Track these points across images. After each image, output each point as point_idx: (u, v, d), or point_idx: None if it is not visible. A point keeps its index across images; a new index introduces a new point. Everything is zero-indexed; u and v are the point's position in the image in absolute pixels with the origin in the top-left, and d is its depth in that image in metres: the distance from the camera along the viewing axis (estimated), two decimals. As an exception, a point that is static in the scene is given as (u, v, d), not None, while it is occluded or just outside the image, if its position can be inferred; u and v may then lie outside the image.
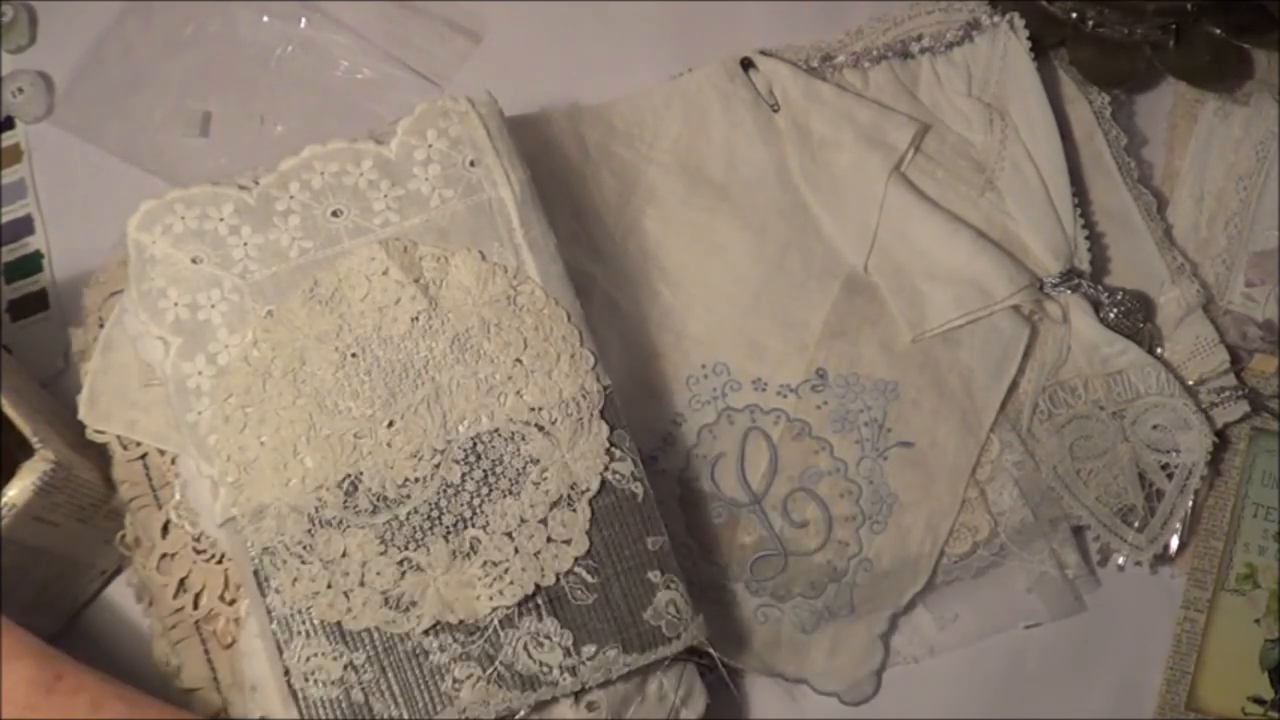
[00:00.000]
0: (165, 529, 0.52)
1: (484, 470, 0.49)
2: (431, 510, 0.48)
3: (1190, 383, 0.58)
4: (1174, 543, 0.57)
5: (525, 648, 0.48)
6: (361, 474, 0.48)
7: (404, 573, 0.48)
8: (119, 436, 0.53)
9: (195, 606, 0.51)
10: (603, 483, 0.49)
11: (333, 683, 0.47)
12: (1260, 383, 0.59)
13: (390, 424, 0.49)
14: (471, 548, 0.48)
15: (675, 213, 0.60)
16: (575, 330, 0.51)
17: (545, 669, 0.48)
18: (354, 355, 0.50)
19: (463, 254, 0.51)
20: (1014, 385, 0.58)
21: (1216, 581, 0.56)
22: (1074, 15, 0.63)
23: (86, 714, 0.43)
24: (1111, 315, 0.59)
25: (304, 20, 0.65)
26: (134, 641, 0.53)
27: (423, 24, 0.66)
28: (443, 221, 0.52)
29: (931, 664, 0.56)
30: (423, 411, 0.49)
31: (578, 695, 0.49)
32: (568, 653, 0.48)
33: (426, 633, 0.47)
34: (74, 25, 0.66)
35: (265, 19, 0.65)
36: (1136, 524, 0.56)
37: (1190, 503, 0.57)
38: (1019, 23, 0.62)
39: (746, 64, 0.62)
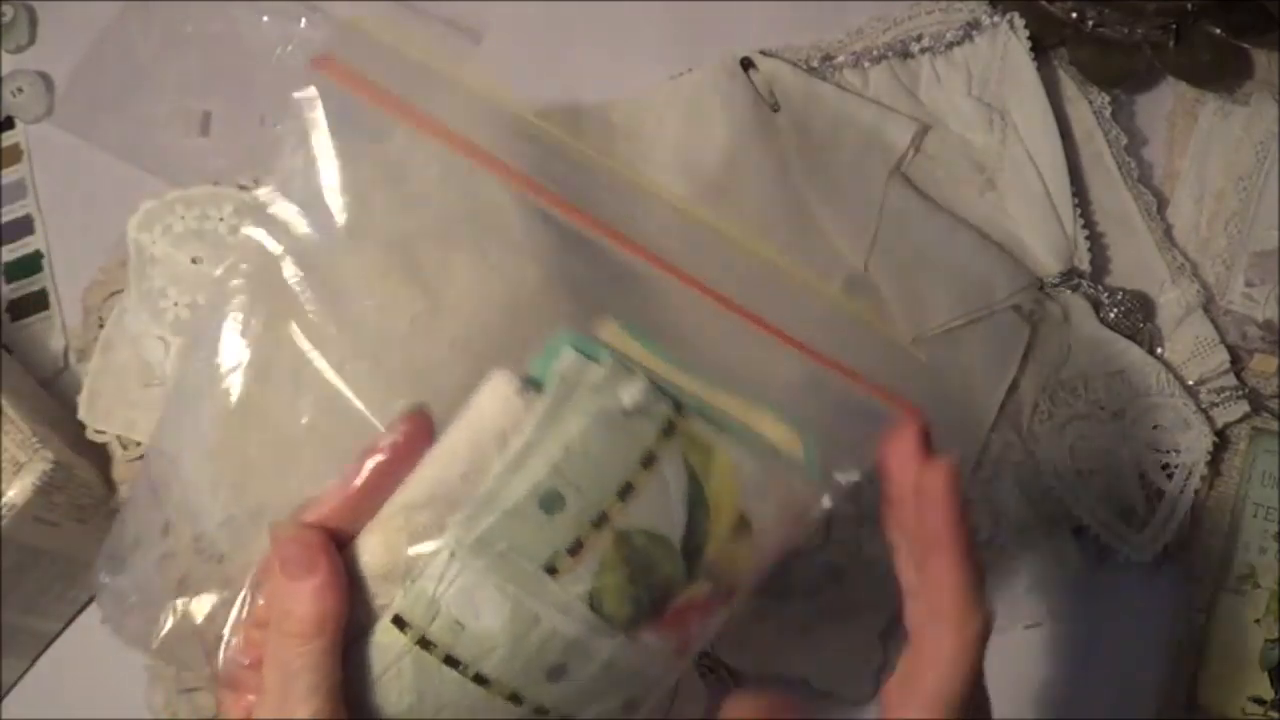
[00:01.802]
0: (165, 529, 0.52)
1: (484, 470, 0.49)
2: (431, 510, 0.48)
3: (1190, 383, 0.58)
4: (1174, 543, 0.57)
5: (525, 648, 0.48)
6: (361, 474, 0.48)
7: (404, 573, 0.48)
8: (119, 436, 0.53)
9: (195, 606, 0.51)
10: (603, 483, 0.49)
11: (333, 683, 0.47)
12: (1260, 383, 0.59)
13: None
14: (471, 548, 0.48)
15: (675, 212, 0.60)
16: (575, 330, 0.51)
17: (545, 669, 0.48)
18: (354, 355, 0.50)
19: (463, 254, 0.51)
20: (1014, 385, 0.58)
21: (1216, 581, 0.56)
22: (1074, 15, 0.63)
23: None
24: (1111, 315, 0.59)
25: (304, 20, 0.65)
26: (134, 641, 0.53)
27: (423, 24, 0.66)
28: (443, 221, 0.52)
29: (931, 664, 0.56)
30: (423, 411, 0.49)
31: (578, 695, 0.49)
32: (568, 653, 0.48)
33: (426, 633, 0.47)
34: (74, 25, 0.66)
35: (265, 19, 0.65)
36: (1136, 524, 0.56)
37: (1190, 503, 0.57)
38: (1019, 23, 0.62)
39: (746, 64, 0.62)
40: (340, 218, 0.40)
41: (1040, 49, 0.63)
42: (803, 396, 0.37)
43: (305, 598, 0.33)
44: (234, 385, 0.49)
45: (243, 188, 0.52)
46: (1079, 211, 0.60)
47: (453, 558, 0.32)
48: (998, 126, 0.61)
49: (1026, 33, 0.62)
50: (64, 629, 0.56)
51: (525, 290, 0.51)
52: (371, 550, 0.34)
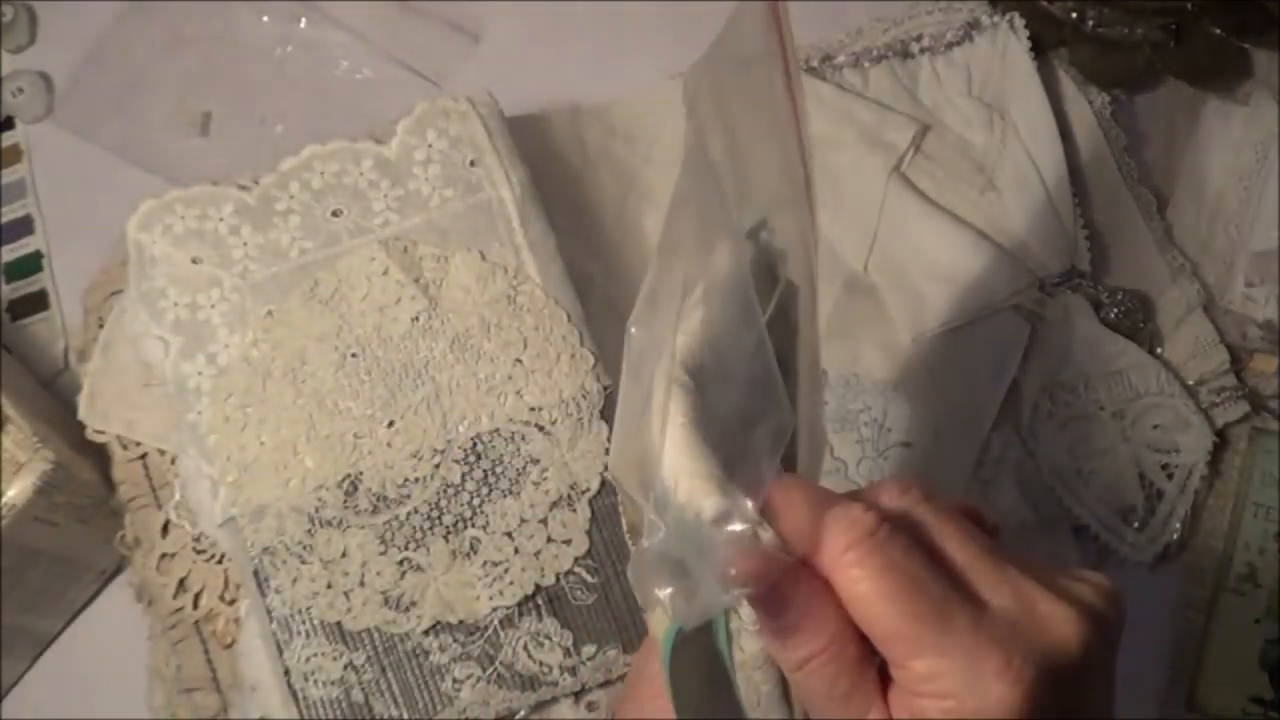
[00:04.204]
0: (165, 529, 0.52)
1: (484, 470, 0.49)
2: (431, 510, 0.48)
3: (1190, 383, 0.58)
4: (1174, 543, 0.57)
5: (525, 648, 0.48)
6: (361, 474, 0.48)
7: (404, 573, 0.48)
8: (119, 436, 0.53)
9: (195, 606, 0.51)
10: (603, 483, 0.49)
11: (333, 683, 0.47)
12: (1260, 383, 0.59)
13: (390, 424, 0.49)
14: (471, 548, 0.48)
15: (675, 213, 0.60)
16: (575, 330, 0.51)
17: (545, 669, 0.48)
18: (354, 355, 0.50)
19: (463, 254, 0.51)
20: (1014, 385, 0.58)
21: (1216, 581, 0.56)
22: (1074, 15, 0.63)
23: None
24: (1112, 315, 0.59)
25: (304, 20, 0.65)
26: (134, 641, 0.53)
27: (423, 24, 0.66)
28: (443, 221, 0.52)
29: (931, 664, 0.56)
30: (423, 411, 0.49)
31: (578, 695, 0.49)
32: (568, 653, 0.48)
33: (426, 633, 0.47)
34: (74, 25, 0.66)
35: (265, 19, 0.65)
36: (1136, 524, 0.56)
37: (1190, 503, 0.57)
38: (1019, 23, 0.62)
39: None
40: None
41: (1040, 49, 0.63)
42: None
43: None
44: (234, 385, 0.49)
45: (242, 188, 0.52)
46: (1079, 211, 0.60)
47: None
48: (998, 126, 0.61)
49: (1026, 33, 0.62)
50: (64, 629, 0.56)
51: (525, 288, 0.51)
52: None
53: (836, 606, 0.29)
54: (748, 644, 0.31)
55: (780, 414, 0.30)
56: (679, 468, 0.29)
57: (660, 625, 0.32)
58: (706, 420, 0.30)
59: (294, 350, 0.50)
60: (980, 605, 0.29)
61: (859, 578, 0.28)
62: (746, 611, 0.30)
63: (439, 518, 0.48)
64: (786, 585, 0.29)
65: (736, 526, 0.28)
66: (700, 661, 0.32)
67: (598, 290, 0.58)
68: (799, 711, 0.32)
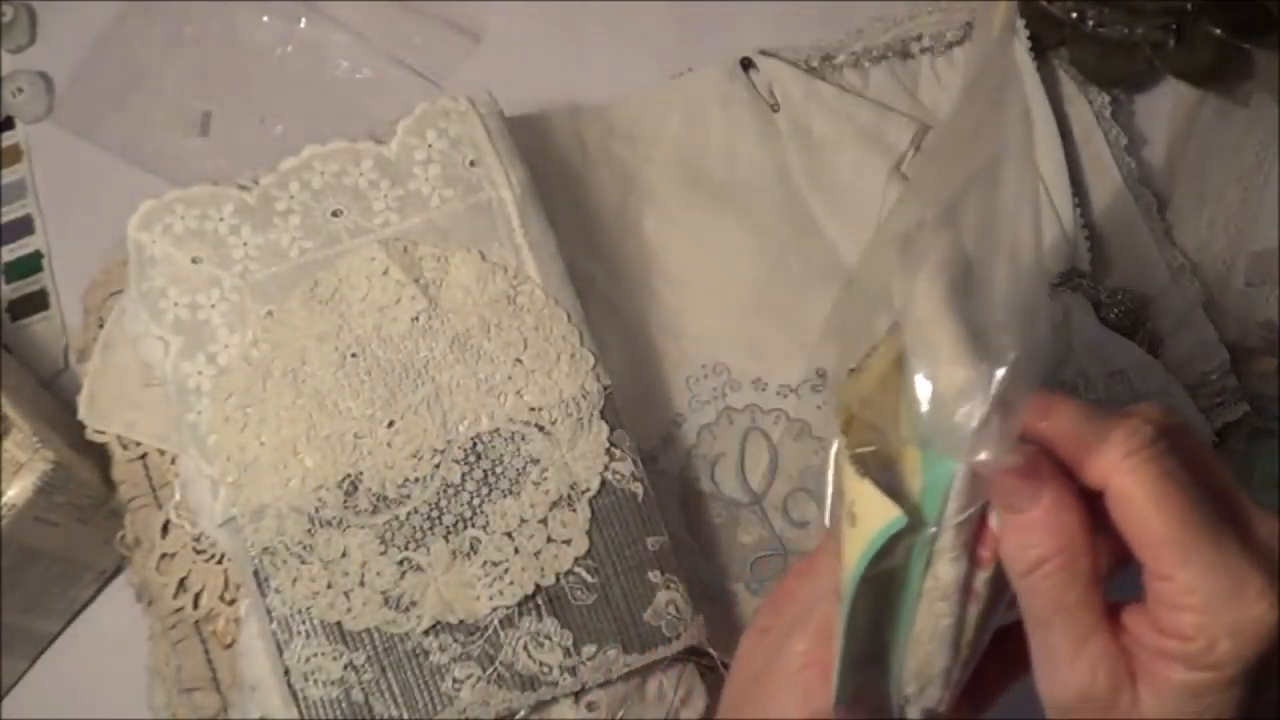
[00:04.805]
0: (165, 529, 0.52)
1: (484, 470, 0.49)
2: (431, 510, 0.48)
3: (1190, 383, 0.58)
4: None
5: (525, 648, 0.48)
6: (361, 474, 0.48)
7: (404, 573, 0.48)
8: (119, 436, 0.53)
9: (195, 606, 0.51)
10: (603, 483, 0.49)
11: (333, 683, 0.47)
12: (1260, 383, 0.59)
13: (390, 424, 0.49)
14: (471, 548, 0.48)
15: (675, 213, 0.60)
16: (575, 330, 0.51)
17: (545, 669, 0.48)
18: (354, 355, 0.50)
19: (463, 254, 0.51)
20: (1014, 385, 0.58)
21: (1216, 581, 0.56)
22: (1074, 15, 0.63)
23: None
24: (1112, 315, 0.59)
25: (304, 20, 0.65)
26: (134, 641, 0.53)
27: (422, 24, 0.66)
28: (443, 221, 0.52)
29: (931, 664, 0.56)
30: (423, 411, 0.49)
31: (578, 695, 0.49)
32: (568, 653, 0.48)
33: (426, 633, 0.47)
34: (74, 25, 0.66)
35: (265, 19, 0.65)
36: (1136, 524, 0.56)
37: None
38: (1019, 23, 0.62)
39: (746, 64, 0.62)
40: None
41: (1040, 49, 0.63)
42: None
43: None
44: (234, 385, 0.49)
45: (243, 188, 0.52)
46: (1079, 211, 0.60)
47: None
48: (998, 126, 0.61)
49: (1026, 33, 0.62)
50: (64, 629, 0.56)
51: (525, 288, 0.51)
52: None
53: (1078, 516, 0.30)
54: (944, 571, 0.31)
55: (1038, 339, 0.32)
56: (953, 370, 0.31)
57: (863, 537, 0.32)
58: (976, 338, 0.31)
59: (294, 350, 0.50)
60: (1245, 528, 0.30)
61: (1137, 483, 0.30)
62: (951, 536, 0.31)
63: (439, 518, 0.48)
64: (1043, 478, 0.30)
65: (995, 429, 0.30)
66: (872, 598, 0.32)
67: (598, 290, 0.58)
68: (963, 657, 0.33)
